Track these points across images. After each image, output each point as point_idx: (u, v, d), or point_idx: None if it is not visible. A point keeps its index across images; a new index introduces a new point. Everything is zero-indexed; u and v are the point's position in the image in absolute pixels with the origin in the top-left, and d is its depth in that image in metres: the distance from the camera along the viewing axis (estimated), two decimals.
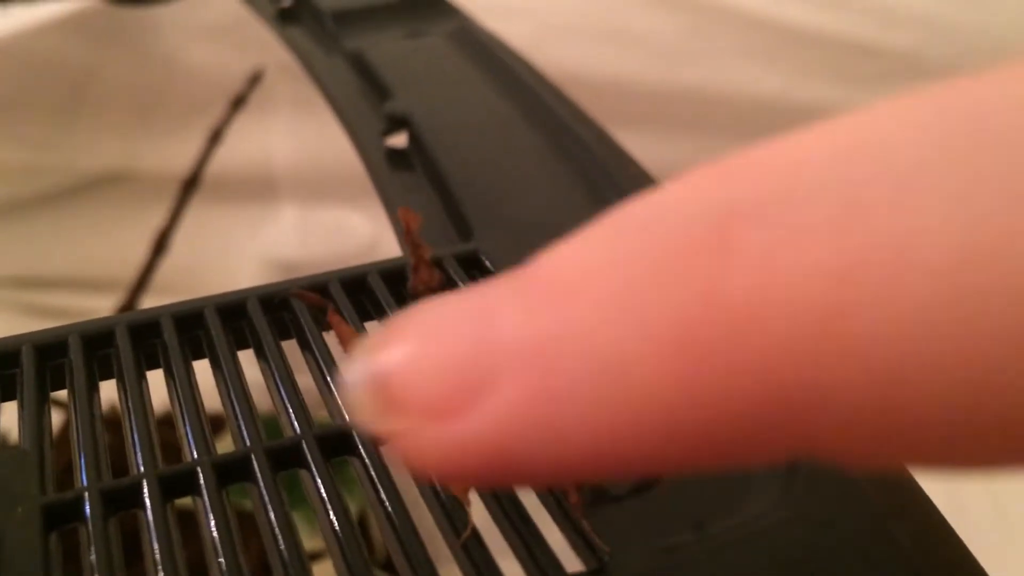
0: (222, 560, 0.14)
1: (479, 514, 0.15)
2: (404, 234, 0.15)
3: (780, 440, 0.09)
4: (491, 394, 0.09)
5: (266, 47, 0.66)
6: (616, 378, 0.09)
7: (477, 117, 0.28)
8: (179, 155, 0.62)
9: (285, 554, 0.14)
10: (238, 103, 0.57)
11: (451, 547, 0.15)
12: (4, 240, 0.69)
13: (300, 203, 0.67)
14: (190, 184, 0.55)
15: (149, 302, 0.30)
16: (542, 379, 0.09)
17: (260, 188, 0.66)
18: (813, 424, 0.08)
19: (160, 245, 0.54)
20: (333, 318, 0.16)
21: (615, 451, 0.09)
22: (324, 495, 0.15)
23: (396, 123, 0.28)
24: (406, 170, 0.27)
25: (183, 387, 0.18)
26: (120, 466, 0.16)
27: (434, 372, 0.10)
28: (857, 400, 0.08)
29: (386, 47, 0.33)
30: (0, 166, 0.69)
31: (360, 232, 0.67)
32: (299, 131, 0.66)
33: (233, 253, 0.65)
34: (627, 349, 0.09)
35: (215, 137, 0.56)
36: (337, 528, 0.15)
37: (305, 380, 0.18)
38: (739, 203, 0.09)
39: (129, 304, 0.52)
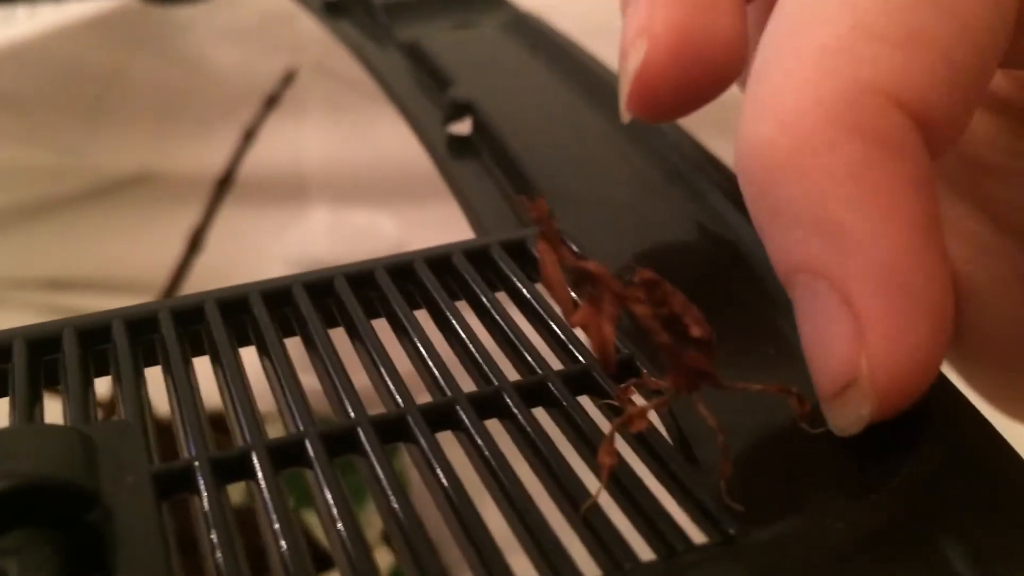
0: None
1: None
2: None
3: None
4: None
5: (295, 48, 0.66)
6: None
7: (541, 103, 0.28)
8: (207, 156, 0.61)
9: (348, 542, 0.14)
10: (271, 103, 0.57)
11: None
12: (32, 242, 0.69)
13: (330, 204, 0.66)
14: (224, 183, 0.55)
15: None
16: None
17: (290, 189, 0.66)
18: None
19: (194, 243, 0.54)
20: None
21: None
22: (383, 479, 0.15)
23: (459, 110, 0.28)
24: (470, 157, 0.27)
25: (232, 371, 0.17)
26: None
27: None
28: None
29: (440, 38, 0.33)
30: (28, 168, 0.69)
31: (388, 234, 0.67)
32: (330, 133, 0.66)
33: (262, 253, 0.65)
34: None
35: (248, 136, 0.56)
36: (396, 506, 0.15)
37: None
38: None
39: None
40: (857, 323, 0.14)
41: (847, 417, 0.15)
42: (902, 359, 0.14)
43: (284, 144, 0.63)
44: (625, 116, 0.20)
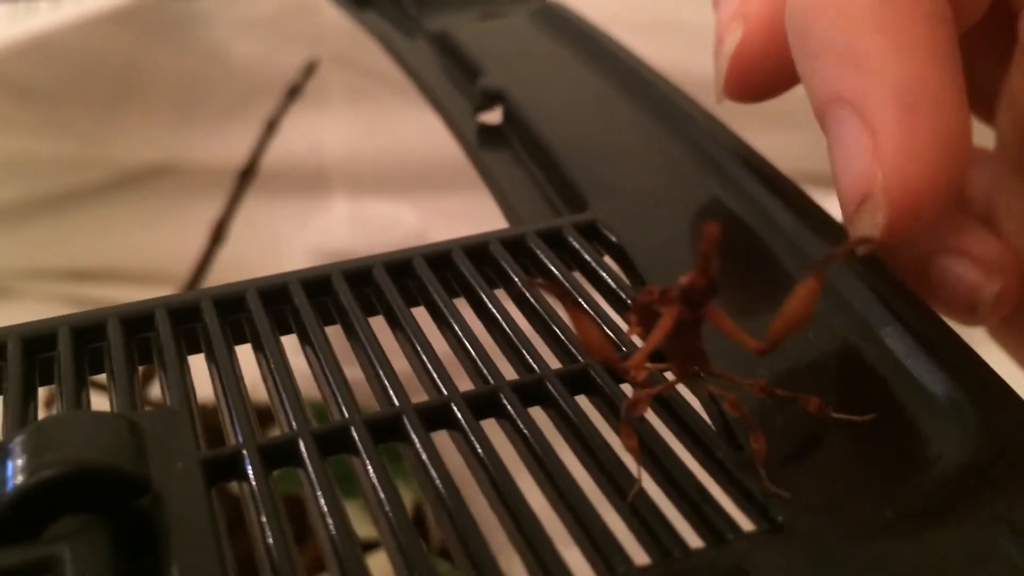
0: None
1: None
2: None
3: None
4: None
5: (316, 39, 0.66)
6: None
7: (571, 92, 0.28)
8: (227, 148, 0.61)
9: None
10: (293, 94, 0.57)
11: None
12: (53, 233, 0.69)
13: (351, 195, 0.67)
14: (247, 174, 0.55)
15: None
16: None
17: (312, 180, 0.66)
18: None
19: (217, 235, 0.54)
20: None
21: None
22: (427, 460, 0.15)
23: (490, 99, 0.28)
24: (501, 146, 0.27)
25: (274, 358, 0.17)
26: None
27: None
28: None
29: (468, 28, 0.33)
30: (50, 159, 0.69)
31: (409, 224, 0.67)
32: (352, 124, 0.66)
33: (283, 244, 0.65)
34: None
35: (270, 127, 0.56)
36: (443, 491, 0.15)
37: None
38: None
39: None
40: (874, 138, 0.16)
41: (865, 228, 0.16)
42: (913, 171, 0.16)
43: (306, 135, 0.63)
44: (721, 98, 0.21)
